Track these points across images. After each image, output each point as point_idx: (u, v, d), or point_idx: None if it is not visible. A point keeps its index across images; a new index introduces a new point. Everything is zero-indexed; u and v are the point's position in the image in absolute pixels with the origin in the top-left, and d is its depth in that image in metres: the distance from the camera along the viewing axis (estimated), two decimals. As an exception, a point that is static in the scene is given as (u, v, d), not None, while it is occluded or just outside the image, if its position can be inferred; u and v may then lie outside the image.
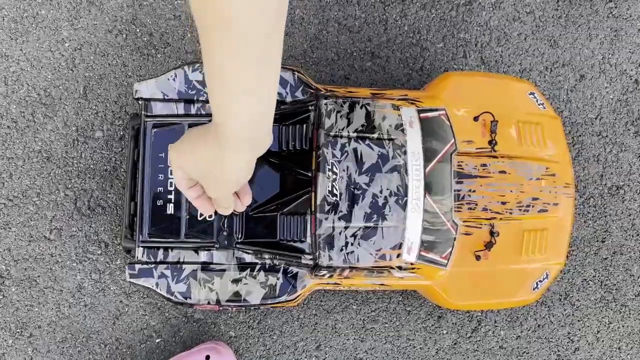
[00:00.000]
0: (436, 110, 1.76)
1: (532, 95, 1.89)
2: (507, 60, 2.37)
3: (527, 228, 1.77)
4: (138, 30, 2.17)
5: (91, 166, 2.09)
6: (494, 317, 2.15)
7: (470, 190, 1.73)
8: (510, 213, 1.76)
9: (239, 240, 1.64)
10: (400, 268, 1.61)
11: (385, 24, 2.32)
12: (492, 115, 1.79)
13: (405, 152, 1.62)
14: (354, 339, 2.09)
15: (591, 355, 2.19)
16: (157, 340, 2.03)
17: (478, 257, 1.73)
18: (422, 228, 1.60)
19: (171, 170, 1.69)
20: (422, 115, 1.71)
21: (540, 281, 1.79)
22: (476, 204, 1.73)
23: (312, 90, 1.72)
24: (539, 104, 1.88)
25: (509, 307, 1.84)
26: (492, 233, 1.73)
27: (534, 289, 1.78)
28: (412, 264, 1.61)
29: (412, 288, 1.78)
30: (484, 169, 1.75)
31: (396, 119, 1.65)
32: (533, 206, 1.77)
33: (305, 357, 2.07)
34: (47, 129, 2.09)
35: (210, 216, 1.67)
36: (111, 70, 2.14)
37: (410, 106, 1.72)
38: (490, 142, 1.78)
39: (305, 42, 2.27)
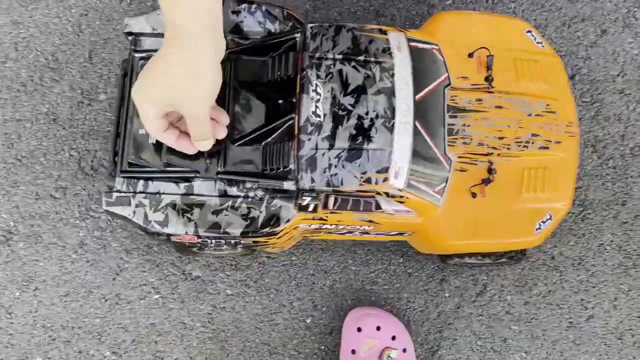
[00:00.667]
0: (428, 43, 1.69)
1: (529, 34, 1.80)
2: (521, 15, 2.27)
3: (527, 165, 1.66)
4: (142, -5, 2.22)
5: (95, 127, 2.13)
6: (501, 281, 2.02)
7: (464, 125, 1.64)
8: (508, 149, 1.66)
9: (221, 170, 1.61)
10: (387, 195, 1.53)
11: (391, -19, 2.28)
12: (488, 50, 1.71)
13: (392, 75, 1.56)
14: (352, 299, 2.00)
15: (607, 324, 2.02)
16: (156, 297, 2.02)
17: (474, 195, 1.63)
18: (411, 153, 1.53)
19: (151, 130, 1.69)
20: (411, 44, 1.65)
21: (543, 222, 1.67)
22: (471, 139, 1.64)
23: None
24: (537, 42, 1.79)
25: (510, 249, 1.72)
26: (489, 170, 1.63)
27: (536, 230, 1.66)
28: (400, 190, 1.52)
29: (404, 229, 1.69)
30: (479, 104, 1.66)
31: (383, 42, 1.60)
32: (533, 142, 1.67)
33: (302, 317, 2.00)
34: (54, 92, 2.15)
35: None
36: (115, 34, 2.19)
37: (399, 32, 1.66)
38: (486, 78, 1.70)
39: (308, 2, 2.25)
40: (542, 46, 1.79)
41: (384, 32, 1.64)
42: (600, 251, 2.07)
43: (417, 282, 2.01)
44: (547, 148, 1.68)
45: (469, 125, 1.65)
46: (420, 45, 1.68)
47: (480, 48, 1.72)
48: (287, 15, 1.73)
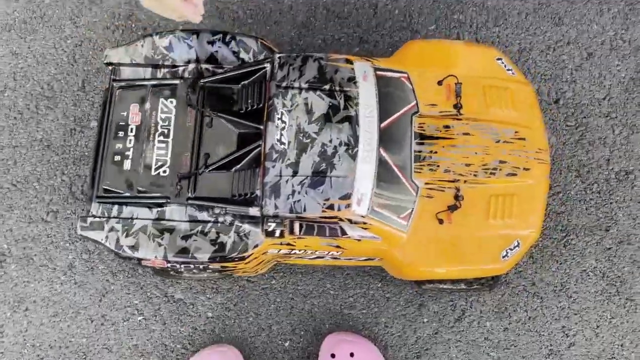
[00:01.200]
0: (397, 72, 1.72)
1: (499, 61, 1.81)
2: (505, 40, 2.28)
3: (494, 192, 1.67)
4: (134, 25, 2.30)
5: (86, 153, 2.20)
6: (480, 307, 2.00)
7: (431, 152, 1.66)
8: (475, 175, 1.66)
9: (191, 196, 1.66)
10: (350, 221, 1.56)
11: (375, 8, 2.32)
12: (457, 78, 1.73)
13: (357, 104, 1.60)
14: (330, 324, 2.01)
15: (588, 352, 1.98)
16: (139, 319, 2.07)
17: (441, 221, 1.64)
18: (374, 181, 1.55)
19: (131, 128, 1.75)
20: (379, 72, 1.68)
21: (511, 249, 1.66)
22: (438, 165, 1.66)
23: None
24: (507, 70, 1.80)
25: (477, 276, 1.72)
26: (456, 197, 1.64)
27: (503, 257, 1.66)
28: (363, 217, 1.55)
29: (372, 254, 1.71)
30: (446, 131, 1.68)
31: (349, 72, 1.64)
32: (500, 169, 1.67)
33: (281, 340, 2.02)
34: (49, 119, 2.24)
35: (164, 172, 1.71)
36: (102, 62, 2.27)
37: (365, 62, 1.70)
38: (455, 106, 1.72)
39: (293, 30, 2.30)
40: (513, 73, 1.80)
41: (350, 62, 1.68)
42: (582, 278, 2.04)
43: (395, 306, 2.02)
44: (514, 175, 1.68)
45: (436, 152, 1.67)
46: (389, 74, 1.71)
47: (449, 76, 1.74)
48: (261, 45, 1.79)
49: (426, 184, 1.65)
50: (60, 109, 2.25)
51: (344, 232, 1.61)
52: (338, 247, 1.67)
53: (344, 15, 2.32)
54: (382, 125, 1.61)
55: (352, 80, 1.63)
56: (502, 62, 1.79)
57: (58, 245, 2.14)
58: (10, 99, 2.26)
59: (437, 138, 1.67)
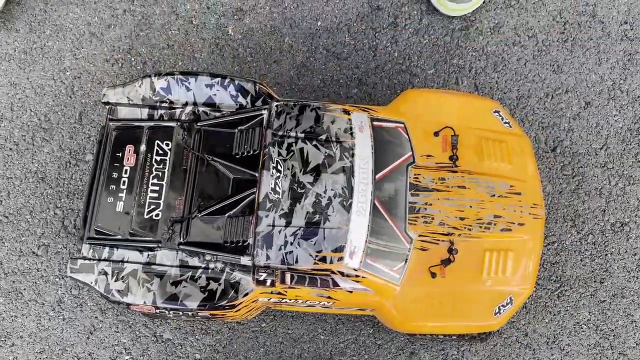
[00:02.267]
0: (393, 122, 1.72)
1: (496, 114, 1.81)
2: (503, 86, 2.29)
3: (489, 247, 1.66)
4: (133, 59, 2.31)
5: (80, 187, 2.19)
6: (472, 357, 1.98)
7: (426, 204, 1.65)
8: (470, 229, 1.65)
9: (183, 241, 1.65)
10: (342, 274, 1.54)
11: (375, 50, 2.33)
12: (453, 130, 1.73)
13: (353, 155, 1.60)
14: (321, 368, 1.99)
15: (583, 405, 1.96)
16: (127, 358, 2.04)
17: (434, 275, 1.63)
18: (368, 233, 1.54)
19: (125, 170, 1.75)
20: (375, 123, 1.69)
21: (504, 306, 1.65)
22: (432, 218, 1.65)
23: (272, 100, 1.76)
24: (504, 122, 1.80)
25: (469, 332, 1.70)
26: (450, 250, 1.63)
27: (495, 314, 1.64)
28: (355, 270, 1.53)
29: (364, 305, 1.69)
30: (442, 183, 1.68)
31: (345, 122, 1.64)
32: (495, 224, 1.66)
33: (270, 384, 1.99)
34: (44, 151, 2.23)
35: (157, 215, 1.69)
36: (100, 101, 2.27)
37: (362, 112, 1.70)
38: (450, 158, 1.71)
39: (292, 70, 2.31)
40: (510, 126, 1.80)
41: (347, 112, 1.68)
42: (576, 330, 2.02)
43: (387, 354, 1.99)
44: (509, 230, 1.67)
45: (430, 204, 1.66)
46: (385, 124, 1.71)
47: (446, 127, 1.74)
48: (259, 89, 1.79)
49: (420, 236, 1.64)
50: (56, 141, 2.24)
51: (335, 284, 1.60)
52: (329, 297, 1.65)
53: (343, 57, 2.33)
54: (378, 176, 1.61)
55: (348, 131, 1.63)
56: (499, 115, 1.80)
57: (48, 280, 2.12)
58: (6, 129, 2.26)
59: (432, 190, 1.67)
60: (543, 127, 2.24)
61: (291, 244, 1.53)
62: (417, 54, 2.33)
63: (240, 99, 1.78)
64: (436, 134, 1.73)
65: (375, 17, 2.36)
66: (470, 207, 1.65)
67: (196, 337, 2.04)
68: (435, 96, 1.81)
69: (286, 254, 1.53)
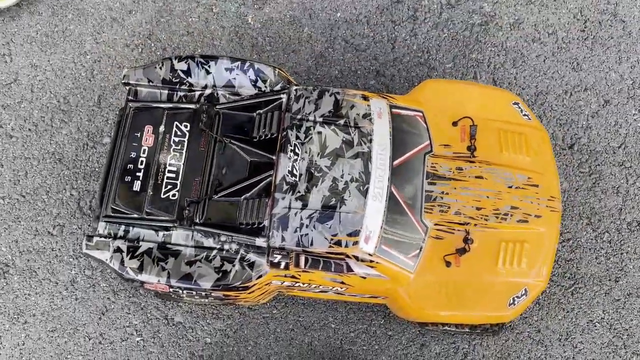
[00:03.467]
0: (412, 110, 1.72)
1: (516, 105, 1.80)
2: (522, 82, 2.27)
3: (505, 238, 1.65)
4: (153, 45, 2.32)
5: (96, 169, 2.21)
6: (482, 351, 1.97)
7: (443, 193, 1.65)
8: (486, 220, 1.65)
9: (199, 222, 1.66)
10: (357, 259, 1.54)
11: (394, 42, 2.33)
12: (472, 120, 1.72)
13: (371, 141, 1.60)
14: (329, 359, 1.98)
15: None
16: (137, 339, 2.05)
17: (448, 264, 1.62)
18: (383, 219, 1.54)
19: (144, 150, 1.76)
20: (394, 110, 1.68)
21: (518, 297, 1.64)
22: (449, 207, 1.64)
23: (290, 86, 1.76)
24: (523, 114, 1.80)
25: (482, 322, 1.69)
26: (465, 240, 1.63)
27: (510, 305, 1.63)
28: (370, 255, 1.53)
29: (377, 293, 1.69)
30: (459, 172, 1.67)
31: (364, 108, 1.64)
32: (511, 215, 1.65)
33: (280, 370, 1.99)
34: (62, 133, 2.25)
35: (173, 195, 1.70)
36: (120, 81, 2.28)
37: (381, 99, 1.70)
38: (468, 148, 1.71)
39: (310, 60, 2.31)
40: (529, 119, 1.80)
41: (366, 98, 1.68)
42: (589, 328, 2.00)
43: (397, 345, 1.99)
44: (526, 222, 1.66)
45: (447, 194, 1.66)
46: (404, 112, 1.71)
47: (465, 117, 1.74)
48: (278, 74, 1.79)
49: (436, 224, 1.63)
50: (75, 123, 2.26)
51: (349, 269, 1.60)
52: (342, 283, 1.65)
53: (362, 48, 2.33)
54: (395, 163, 1.61)
55: (367, 116, 1.63)
56: (519, 107, 1.79)
57: (62, 260, 2.13)
58: (26, 110, 2.28)
59: (449, 179, 1.66)
60: (561, 124, 2.22)
61: (307, 226, 1.53)
62: (435, 47, 2.33)
63: (259, 84, 1.79)
64: (454, 123, 1.73)
65: (395, 9, 2.36)
66: (487, 197, 1.65)
67: (207, 321, 2.04)
68: (454, 86, 1.81)
69: (301, 236, 1.53)
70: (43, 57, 2.32)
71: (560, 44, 2.34)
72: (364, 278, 1.63)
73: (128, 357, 2.03)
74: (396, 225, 1.57)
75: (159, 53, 2.32)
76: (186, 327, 2.04)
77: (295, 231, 1.54)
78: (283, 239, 1.55)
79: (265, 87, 1.79)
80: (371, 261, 1.57)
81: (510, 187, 1.67)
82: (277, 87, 1.78)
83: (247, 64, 1.82)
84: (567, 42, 2.34)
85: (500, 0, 2.36)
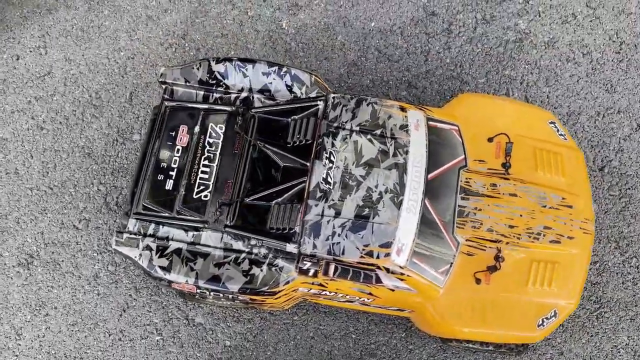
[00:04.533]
0: (448, 124, 1.71)
1: (552, 125, 1.79)
2: (554, 101, 2.26)
3: (536, 258, 1.63)
4: (187, 44, 2.33)
5: (125, 166, 2.22)
6: (507, 366, 1.95)
7: (476, 209, 1.64)
8: (519, 238, 1.63)
9: (229, 224, 1.66)
10: (388, 270, 1.54)
11: (427, 55, 2.32)
12: (508, 137, 1.71)
13: (407, 152, 1.59)
14: (350, 367, 1.98)
15: None
16: (157, 338, 2.04)
17: (478, 281, 1.61)
18: (416, 232, 1.53)
19: (177, 149, 1.76)
20: (431, 123, 1.68)
21: (547, 318, 1.62)
22: (481, 223, 1.63)
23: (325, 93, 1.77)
24: (559, 134, 1.78)
25: (509, 341, 1.67)
26: (497, 257, 1.61)
27: (539, 326, 1.62)
28: (401, 267, 1.52)
29: (404, 306, 1.68)
30: (493, 189, 1.66)
31: (402, 119, 1.64)
32: (544, 235, 1.64)
33: (298, 378, 1.98)
34: (93, 127, 2.26)
35: (205, 196, 1.71)
36: (156, 79, 2.29)
37: (419, 111, 1.69)
38: (503, 165, 1.70)
39: (343, 67, 2.31)
40: (565, 139, 1.78)
41: (404, 110, 1.67)
42: (613, 353, 1.98)
43: (417, 359, 1.97)
44: (558, 242, 1.65)
45: (480, 210, 1.64)
46: (440, 125, 1.70)
47: (501, 134, 1.73)
48: (314, 81, 1.79)
49: (467, 240, 1.62)
50: (106, 118, 2.27)
51: (378, 280, 1.59)
52: (370, 294, 1.64)
53: (394, 59, 2.33)
54: (430, 176, 1.60)
55: (404, 127, 1.62)
56: (555, 126, 1.78)
57: (86, 254, 2.14)
58: (58, 103, 2.29)
59: (483, 195, 1.65)
60: (592, 146, 2.21)
61: (339, 235, 1.53)
62: (469, 61, 2.32)
63: (295, 89, 1.79)
64: (490, 139, 1.72)
65: (430, 22, 2.36)
66: (521, 215, 1.63)
67: (228, 324, 2.04)
68: (490, 102, 1.80)
69: (333, 244, 1.52)
70: (77, 51, 2.34)
71: (595, 65, 2.32)
72: (393, 290, 1.62)
73: (147, 356, 2.03)
74: (428, 239, 1.57)
75: (192, 53, 2.33)
76: (206, 329, 2.04)
77: (327, 239, 1.54)
78: (314, 246, 1.54)
79: (301, 93, 1.79)
80: (402, 274, 1.56)
81: (544, 206, 1.66)
82: (313, 94, 1.78)
83: (284, 69, 1.82)
84: (601, 64, 2.32)
85: (535, 18, 2.35)
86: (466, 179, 1.67)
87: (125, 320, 2.07)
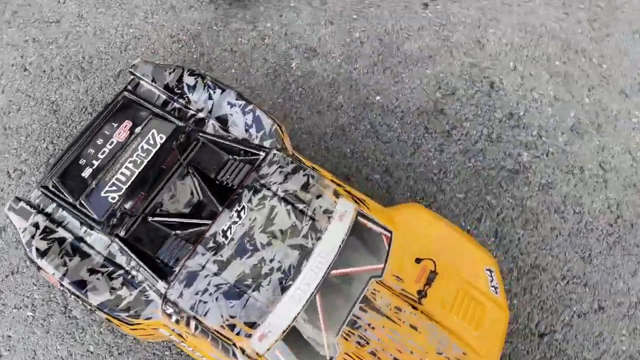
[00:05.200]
0: (381, 227, 1.59)
1: (488, 272, 1.64)
2: (523, 247, 2.10)
3: (408, 405, 1.47)
4: (194, 46, 2.29)
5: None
6: None
7: (369, 325, 1.50)
8: (398, 375, 1.48)
9: (121, 235, 1.57)
10: (243, 352, 1.41)
11: (417, 148, 2.21)
12: (434, 266, 1.58)
13: (319, 239, 1.47)
14: None
15: None
16: (29, 314, 1.96)
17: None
18: (291, 324, 1.41)
19: (112, 142, 1.70)
20: (361, 219, 1.56)
21: None
22: (367, 342, 1.49)
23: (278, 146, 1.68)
24: (492, 285, 1.63)
25: None
26: (367, 388, 1.46)
27: None
28: (258, 355, 1.40)
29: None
30: (396, 313, 1.52)
31: (330, 204, 1.53)
32: (427, 383, 1.48)
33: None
34: (71, 88, 2.22)
35: (113, 198, 1.63)
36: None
37: (353, 203, 1.58)
38: (419, 292, 1.56)
39: (330, 128, 2.22)
40: (496, 292, 1.63)
41: (337, 195, 1.56)
42: None
43: None
44: (438, 398, 1.49)
45: (373, 328, 1.50)
46: (370, 225, 1.58)
47: (430, 259, 1.59)
48: (274, 131, 1.70)
49: (345, 354, 1.48)
50: (86, 84, 2.24)
51: (235, 356, 1.46)
52: None
53: (384, 139, 2.22)
54: (334, 272, 1.47)
55: (328, 213, 1.51)
56: (491, 275, 1.63)
57: (3, 203, 2.08)
58: (51, 53, 2.28)
59: (383, 315, 1.51)
60: (542, 308, 2.03)
61: (210, 294, 1.42)
62: (455, 172, 2.19)
63: (252, 131, 1.70)
64: (418, 260, 1.58)
65: (434, 118, 2.25)
66: (412, 352, 1.49)
67: (101, 329, 1.93)
68: (438, 223, 1.67)
69: (200, 301, 1.41)
70: (92, 13, 2.33)
71: (582, 228, 2.16)
72: None
73: (11, 326, 1.94)
74: (302, 336, 1.43)
75: (194, 56, 2.28)
76: (78, 326, 1.93)
77: (197, 293, 1.43)
78: (181, 295, 1.43)
79: (256, 137, 1.71)
80: None
81: (440, 353, 1.50)
82: (266, 143, 1.69)
83: (250, 107, 1.73)
84: (589, 229, 2.16)
85: (541, 156, 2.22)
86: (374, 290, 1.53)
87: (8, 283, 1.99)
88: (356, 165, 2.18)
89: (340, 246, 1.50)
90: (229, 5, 2.35)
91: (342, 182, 1.70)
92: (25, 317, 1.95)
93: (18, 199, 1.67)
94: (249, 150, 1.66)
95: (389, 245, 1.59)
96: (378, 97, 2.27)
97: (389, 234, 1.60)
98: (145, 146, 1.69)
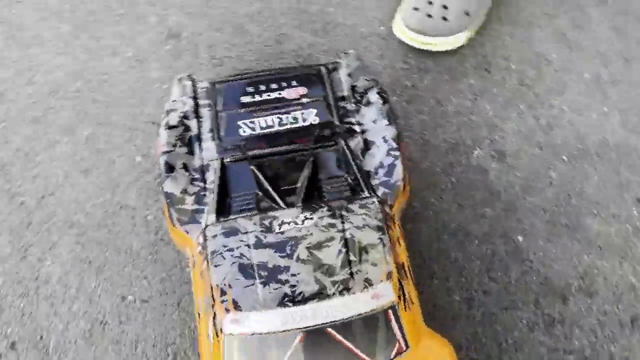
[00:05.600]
0: (403, 336, 1.49)
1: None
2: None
3: None
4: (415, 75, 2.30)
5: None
6: None
7: None
8: None
9: (224, 159, 1.72)
10: (214, 317, 1.43)
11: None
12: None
13: (342, 295, 1.45)
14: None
15: None
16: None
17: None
18: (263, 335, 1.40)
19: (279, 92, 1.81)
20: (391, 314, 1.48)
21: None
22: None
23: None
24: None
25: None
26: None
27: None
28: (220, 330, 1.40)
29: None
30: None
31: (376, 278, 1.47)
32: None
33: None
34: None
35: (244, 131, 1.76)
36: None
37: (395, 295, 1.48)
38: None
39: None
40: None
41: (389, 277, 1.49)
42: None
43: None
44: None
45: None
46: (394, 325, 1.48)
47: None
48: (397, 186, 1.71)
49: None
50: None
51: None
52: None
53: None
54: (331, 331, 1.44)
55: (368, 282, 1.47)
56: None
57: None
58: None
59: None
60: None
61: (232, 256, 1.51)
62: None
63: (380, 171, 1.74)
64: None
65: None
66: None
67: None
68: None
69: (221, 253, 1.51)
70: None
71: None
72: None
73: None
74: (263, 351, 1.39)
75: (406, 83, 2.28)
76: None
77: (225, 247, 1.52)
78: (214, 237, 1.54)
79: (379, 179, 1.71)
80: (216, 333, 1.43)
81: None
82: (380, 190, 1.68)
83: (397, 153, 1.75)
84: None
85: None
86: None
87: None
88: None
89: (353, 316, 1.45)
90: (263, 26, 2.35)
91: (411, 270, 1.62)
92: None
93: (190, 77, 1.81)
94: (361, 182, 1.72)
95: (394, 356, 1.47)
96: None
97: (403, 347, 1.49)
98: (299, 115, 1.79)
